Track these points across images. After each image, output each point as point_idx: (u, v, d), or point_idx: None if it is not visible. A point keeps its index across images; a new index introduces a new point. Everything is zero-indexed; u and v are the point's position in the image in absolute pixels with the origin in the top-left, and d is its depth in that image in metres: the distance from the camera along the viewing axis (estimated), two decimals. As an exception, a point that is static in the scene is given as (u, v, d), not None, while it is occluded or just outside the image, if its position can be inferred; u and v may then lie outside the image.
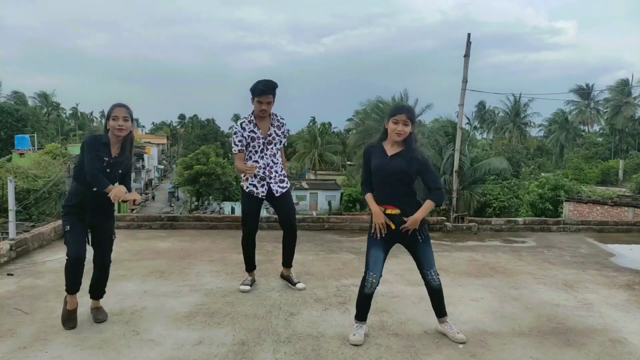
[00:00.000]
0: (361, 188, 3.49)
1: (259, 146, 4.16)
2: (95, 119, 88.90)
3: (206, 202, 39.92)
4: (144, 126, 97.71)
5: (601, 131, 61.08)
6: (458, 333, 3.34)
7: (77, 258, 3.33)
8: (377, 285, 3.29)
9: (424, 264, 3.30)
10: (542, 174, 35.07)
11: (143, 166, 58.34)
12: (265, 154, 4.18)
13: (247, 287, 4.32)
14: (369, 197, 3.33)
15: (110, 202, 3.33)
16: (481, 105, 61.55)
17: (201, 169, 36.96)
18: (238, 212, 32.71)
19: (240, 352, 3.08)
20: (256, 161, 4.17)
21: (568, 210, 19.89)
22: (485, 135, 62.78)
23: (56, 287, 4.32)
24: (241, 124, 4.16)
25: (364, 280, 3.29)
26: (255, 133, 4.14)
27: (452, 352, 3.17)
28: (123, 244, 6.07)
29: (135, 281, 4.53)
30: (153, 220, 7.64)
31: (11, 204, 5.91)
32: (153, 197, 56.23)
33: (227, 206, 36.56)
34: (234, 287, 4.41)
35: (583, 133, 61.56)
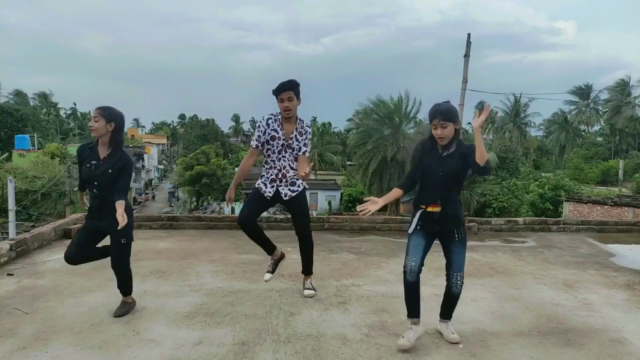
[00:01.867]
0: (402, 181, 3.37)
1: (278, 147, 3.99)
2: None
3: (206, 202, 39.92)
4: (144, 126, 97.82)
5: (601, 131, 61.09)
6: (453, 334, 3.33)
7: (66, 260, 3.64)
8: (419, 273, 3.22)
9: (453, 265, 3.27)
10: (543, 174, 35.09)
11: (143, 166, 58.35)
12: (284, 157, 4.01)
13: (268, 275, 4.20)
14: (397, 192, 3.30)
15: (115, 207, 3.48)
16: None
17: (202, 170, 36.96)
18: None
19: (240, 352, 3.08)
20: (273, 161, 4.02)
21: (568, 210, 19.89)
22: (485, 136, 62.77)
23: (56, 287, 4.32)
24: (267, 119, 3.99)
25: (404, 267, 3.24)
26: (278, 133, 3.98)
27: (452, 352, 3.17)
28: (123, 244, 6.07)
29: (135, 281, 4.50)
30: (153, 220, 7.64)
31: (11, 204, 5.92)
32: (153, 197, 56.26)
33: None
34: (234, 287, 4.41)
35: (583, 133, 61.57)
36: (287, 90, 3.90)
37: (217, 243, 6.43)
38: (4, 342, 3.16)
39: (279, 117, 4.00)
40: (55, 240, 6.23)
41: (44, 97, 70.08)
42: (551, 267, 5.56)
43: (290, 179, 4.06)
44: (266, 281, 4.22)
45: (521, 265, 5.57)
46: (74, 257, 3.64)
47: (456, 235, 3.23)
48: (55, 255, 5.43)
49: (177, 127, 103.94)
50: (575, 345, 3.32)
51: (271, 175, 4.04)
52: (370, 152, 29.89)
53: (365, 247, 6.36)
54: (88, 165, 3.51)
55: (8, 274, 4.69)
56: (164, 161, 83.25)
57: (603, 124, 59.07)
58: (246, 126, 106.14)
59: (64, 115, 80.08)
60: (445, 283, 3.37)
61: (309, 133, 4.14)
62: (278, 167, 4.02)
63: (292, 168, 4.05)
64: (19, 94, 60.76)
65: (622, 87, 51.50)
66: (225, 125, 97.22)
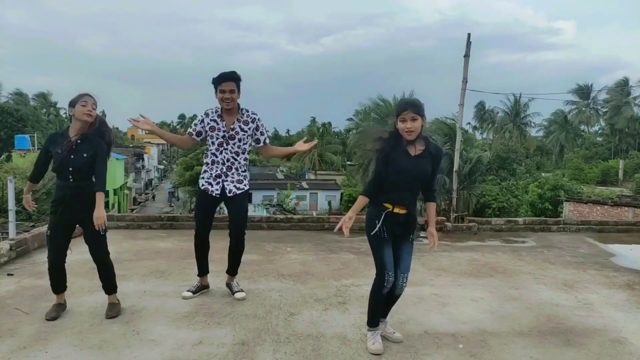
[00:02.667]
0: (368, 187, 3.14)
1: (217, 139, 3.87)
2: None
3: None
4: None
5: (601, 131, 61.09)
6: (395, 333, 3.30)
7: (52, 263, 3.57)
8: None
9: (402, 266, 3.15)
10: (542, 174, 35.07)
11: (143, 166, 58.34)
12: (226, 149, 3.88)
13: (189, 294, 4.04)
14: (364, 200, 3.14)
15: (93, 197, 3.39)
16: (481, 106, 61.53)
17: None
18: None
19: (240, 352, 3.08)
20: (214, 154, 3.90)
21: (568, 210, 19.89)
22: (485, 136, 62.77)
23: (56, 287, 4.32)
24: (206, 111, 3.96)
25: (381, 281, 3.11)
26: (218, 124, 3.88)
27: (452, 352, 3.17)
28: (123, 244, 6.07)
29: (135, 281, 4.53)
30: (153, 220, 7.64)
31: (11, 204, 5.91)
32: (153, 197, 56.23)
33: (227, 206, 36.49)
34: (234, 287, 4.41)
35: (583, 133, 61.57)
36: (229, 81, 3.79)
37: (217, 243, 6.42)
38: (4, 342, 3.16)
39: (219, 109, 3.91)
40: (55, 240, 6.23)
41: (43, 97, 70.06)
42: (551, 267, 5.56)
43: (238, 175, 3.93)
44: (184, 299, 4.01)
45: (521, 265, 5.57)
46: (60, 261, 3.58)
47: (411, 237, 3.19)
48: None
49: (177, 127, 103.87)
50: (575, 345, 3.32)
51: (215, 170, 3.91)
52: (370, 152, 29.84)
53: (365, 247, 6.36)
54: (59, 150, 3.41)
55: (8, 274, 4.69)
56: (164, 161, 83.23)
57: (603, 124, 59.09)
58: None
59: (64, 116, 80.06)
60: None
61: (259, 120, 4.00)
62: (221, 161, 3.90)
63: (235, 160, 3.91)
64: (19, 93, 60.80)
65: (622, 87, 51.49)
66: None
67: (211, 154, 3.92)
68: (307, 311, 3.84)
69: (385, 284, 3.11)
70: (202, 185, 3.96)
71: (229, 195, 3.92)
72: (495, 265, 5.57)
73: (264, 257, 5.66)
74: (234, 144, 3.89)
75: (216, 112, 3.92)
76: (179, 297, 4.09)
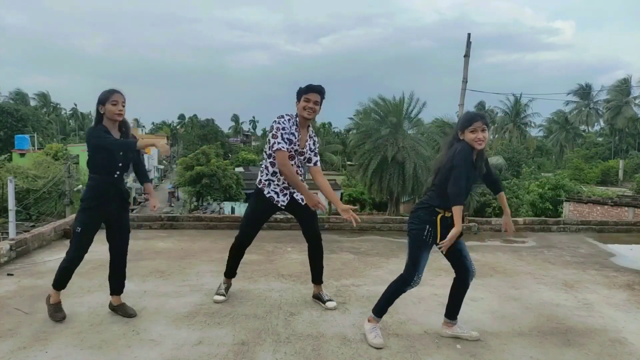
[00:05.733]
0: (459, 197, 3.08)
1: (290, 152, 3.71)
2: (94, 119, 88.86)
3: (206, 203, 39.91)
4: (144, 126, 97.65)
5: (601, 131, 61.09)
6: (469, 332, 3.41)
7: (74, 261, 3.50)
8: None
9: (467, 254, 3.33)
10: (543, 174, 35.05)
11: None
12: (294, 163, 3.75)
13: (222, 298, 3.98)
14: (461, 209, 3.13)
15: (128, 195, 3.55)
16: (480, 106, 61.53)
17: (202, 170, 36.95)
18: (238, 212, 32.67)
19: (240, 352, 3.08)
20: None
21: (568, 210, 19.88)
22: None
23: (56, 287, 4.32)
24: (289, 120, 3.67)
25: (409, 281, 3.19)
26: (295, 137, 3.69)
27: (452, 352, 3.17)
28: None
29: (135, 281, 4.53)
30: (153, 220, 7.64)
31: (11, 204, 5.92)
32: (153, 197, 56.10)
33: (227, 206, 36.53)
34: (234, 287, 4.40)
35: (583, 133, 61.57)
36: (317, 92, 3.67)
37: (217, 243, 6.43)
38: (4, 342, 3.16)
39: (297, 119, 3.72)
40: (55, 240, 6.23)
41: (43, 97, 70.08)
42: (551, 267, 5.56)
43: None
44: (218, 302, 3.94)
45: (521, 265, 5.57)
46: (82, 259, 3.54)
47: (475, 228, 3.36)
48: (55, 255, 5.43)
49: (177, 127, 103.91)
50: (575, 345, 3.32)
51: (283, 182, 3.77)
52: (370, 152, 29.88)
53: (365, 247, 6.36)
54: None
55: (8, 274, 4.69)
56: (164, 161, 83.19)
57: (603, 124, 59.08)
58: (246, 126, 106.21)
59: (64, 116, 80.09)
60: (449, 283, 3.40)
61: (315, 136, 3.97)
62: None
63: (300, 174, 3.82)
64: (19, 93, 60.81)
65: (622, 87, 51.47)
66: (225, 125, 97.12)
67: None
68: (307, 311, 3.84)
69: (412, 284, 3.21)
70: (268, 193, 3.80)
71: (301, 203, 3.81)
72: (495, 265, 5.57)
73: (264, 257, 5.66)
74: (301, 159, 3.83)
75: (294, 123, 3.71)
76: (179, 297, 4.09)
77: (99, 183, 3.45)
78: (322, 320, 3.65)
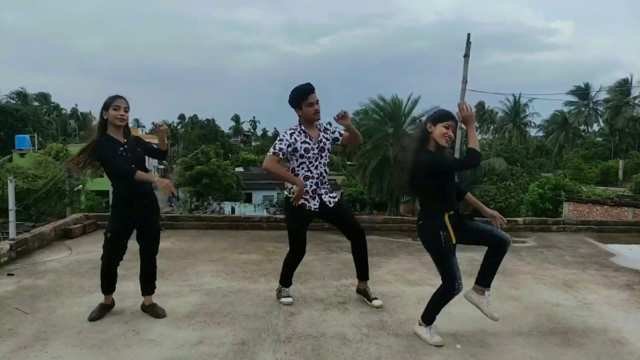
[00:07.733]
0: (468, 157, 3.17)
1: (314, 156, 3.80)
2: (94, 119, 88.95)
3: (206, 202, 39.91)
4: (144, 126, 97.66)
5: (601, 131, 61.09)
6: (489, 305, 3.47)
7: (112, 266, 3.62)
8: None
9: (489, 229, 3.37)
10: (543, 174, 35.03)
11: (143, 166, 58.18)
12: (320, 163, 3.84)
13: (290, 299, 3.98)
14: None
15: (155, 198, 3.59)
16: (480, 106, 61.54)
17: (202, 170, 36.96)
18: (238, 212, 32.69)
19: (240, 352, 3.08)
20: (309, 171, 3.80)
21: (568, 210, 19.89)
22: (484, 136, 62.77)
23: (56, 287, 4.33)
24: (291, 134, 3.77)
25: (452, 291, 3.27)
26: (309, 143, 3.78)
27: (452, 352, 3.17)
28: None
29: (135, 281, 4.50)
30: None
31: (11, 204, 5.92)
32: (153, 197, 56.11)
33: (227, 206, 36.56)
34: (234, 287, 4.42)
35: (583, 133, 61.56)
36: (313, 91, 3.77)
37: (217, 243, 6.43)
38: (4, 342, 3.16)
39: (301, 128, 3.82)
40: (55, 240, 6.23)
41: (43, 97, 70.09)
42: (551, 267, 5.56)
43: (328, 185, 3.96)
44: (287, 305, 3.93)
45: (521, 265, 5.57)
46: (118, 263, 3.64)
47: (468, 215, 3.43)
48: (55, 255, 5.44)
49: (177, 127, 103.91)
50: (575, 345, 3.32)
51: (311, 186, 3.81)
52: (370, 152, 29.90)
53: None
54: (119, 152, 3.49)
55: (8, 274, 4.69)
56: (164, 161, 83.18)
57: (603, 124, 59.09)
58: (246, 126, 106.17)
59: (65, 115, 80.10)
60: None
61: (327, 123, 4.02)
62: (316, 175, 3.83)
63: (326, 172, 3.92)
64: (19, 93, 60.82)
65: (622, 87, 51.47)
66: (225, 125, 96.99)
67: (305, 171, 3.80)
68: (307, 311, 3.84)
69: (455, 292, 3.28)
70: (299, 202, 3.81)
71: (330, 206, 3.88)
72: (495, 265, 5.56)
73: (264, 257, 5.67)
74: (324, 156, 3.89)
75: (300, 132, 3.80)
76: (179, 297, 4.09)
77: (121, 189, 3.53)
78: (322, 320, 3.65)
